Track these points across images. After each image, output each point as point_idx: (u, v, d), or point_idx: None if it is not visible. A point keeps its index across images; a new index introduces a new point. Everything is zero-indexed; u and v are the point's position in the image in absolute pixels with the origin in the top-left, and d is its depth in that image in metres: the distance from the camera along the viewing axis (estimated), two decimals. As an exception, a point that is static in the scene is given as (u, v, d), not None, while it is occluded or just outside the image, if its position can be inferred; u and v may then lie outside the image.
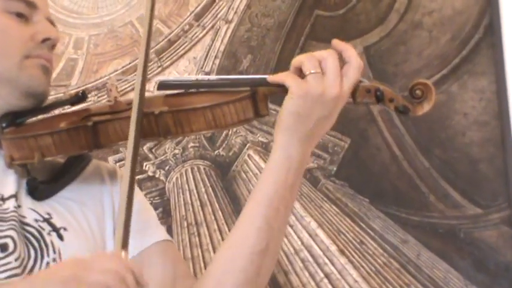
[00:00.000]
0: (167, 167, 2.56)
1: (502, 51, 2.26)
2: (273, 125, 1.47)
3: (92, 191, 1.44)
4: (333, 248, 2.37)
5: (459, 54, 2.33)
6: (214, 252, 2.44)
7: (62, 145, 1.34)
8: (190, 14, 2.60)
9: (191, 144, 2.55)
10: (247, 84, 1.36)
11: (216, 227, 2.47)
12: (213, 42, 2.57)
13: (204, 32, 2.58)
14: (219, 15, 2.56)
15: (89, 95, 1.46)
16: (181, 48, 2.60)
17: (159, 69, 2.60)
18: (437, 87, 2.34)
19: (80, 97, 1.41)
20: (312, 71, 1.29)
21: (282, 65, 2.40)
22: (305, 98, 1.28)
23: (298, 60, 1.33)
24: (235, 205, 2.44)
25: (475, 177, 2.29)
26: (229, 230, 2.44)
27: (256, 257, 1.32)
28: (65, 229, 1.36)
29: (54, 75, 2.67)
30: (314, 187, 2.42)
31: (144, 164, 2.58)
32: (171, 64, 2.60)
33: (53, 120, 1.39)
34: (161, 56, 2.61)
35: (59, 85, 2.55)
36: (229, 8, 2.55)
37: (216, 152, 2.53)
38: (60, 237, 1.36)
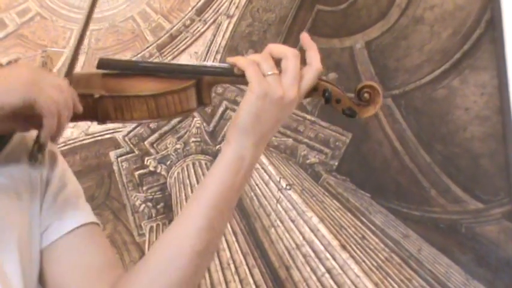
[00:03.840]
0: (168, 162, 2.56)
1: (503, 45, 2.26)
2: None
3: (19, 163, 1.32)
4: (335, 243, 2.37)
5: (460, 49, 2.32)
6: (215, 247, 2.44)
7: None
8: (192, 8, 2.59)
9: (192, 139, 2.55)
10: (192, 72, 1.31)
11: (217, 221, 2.47)
12: (214, 37, 2.57)
13: (206, 26, 2.58)
14: (220, 10, 2.56)
15: None
16: (183, 43, 2.60)
17: (161, 64, 2.60)
18: (438, 82, 2.35)
19: None
20: (269, 73, 1.25)
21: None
22: (264, 99, 1.24)
23: (253, 59, 1.26)
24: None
25: (477, 172, 2.29)
26: (230, 226, 2.45)
27: (195, 257, 1.27)
28: None
29: (53, 70, 2.69)
30: (315, 182, 2.42)
31: (146, 158, 2.58)
32: (173, 59, 2.60)
33: None
34: (162, 50, 2.61)
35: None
36: (230, 3, 2.55)
37: (218, 147, 2.53)
38: None
